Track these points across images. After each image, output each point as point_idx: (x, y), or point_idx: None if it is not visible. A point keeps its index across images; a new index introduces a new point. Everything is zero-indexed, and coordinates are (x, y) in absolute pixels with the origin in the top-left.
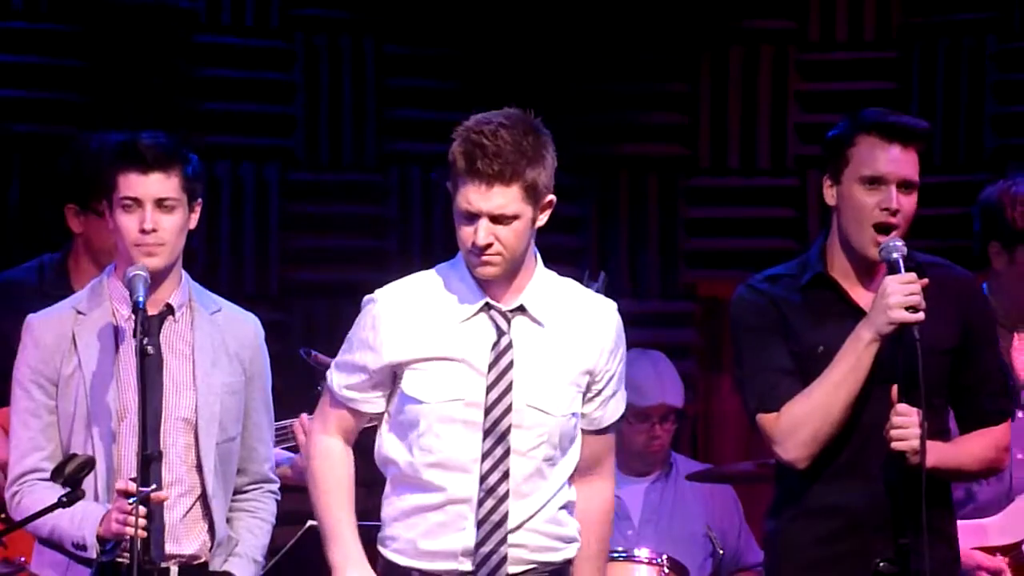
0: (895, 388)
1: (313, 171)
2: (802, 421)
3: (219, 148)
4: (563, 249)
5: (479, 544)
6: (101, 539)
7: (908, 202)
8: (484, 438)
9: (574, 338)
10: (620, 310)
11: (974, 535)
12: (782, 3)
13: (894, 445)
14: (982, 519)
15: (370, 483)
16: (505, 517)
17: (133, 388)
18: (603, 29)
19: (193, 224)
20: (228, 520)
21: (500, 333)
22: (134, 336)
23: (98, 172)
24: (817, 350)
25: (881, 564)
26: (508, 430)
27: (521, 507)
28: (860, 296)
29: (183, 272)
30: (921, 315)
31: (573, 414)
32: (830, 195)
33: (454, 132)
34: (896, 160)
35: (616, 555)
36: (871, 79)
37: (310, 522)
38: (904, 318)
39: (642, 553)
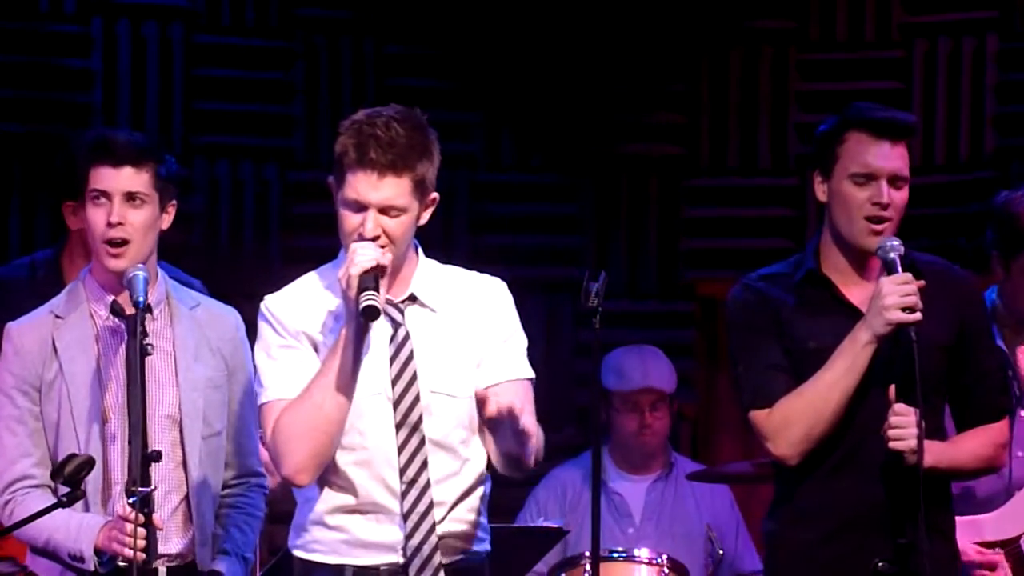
0: (893, 388)
1: (313, 171)
2: (794, 419)
3: (219, 148)
4: (563, 249)
5: (408, 536)
6: (99, 551)
7: (899, 196)
8: (397, 431)
9: (467, 318)
10: (619, 310)
11: (972, 531)
12: (782, 3)
13: (892, 445)
14: (981, 515)
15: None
16: (430, 507)
17: (117, 389)
18: (603, 29)
19: (165, 225)
20: (216, 516)
21: (396, 325)
22: (131, 335)
23: (77, 161)
24: (809, 346)
25: (880, 564)
26: (420, 420)
27: (445, 494)
28: (852, 293)
29: (160, 270)
30: (918, 315)
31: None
32: (821, 191)
33: (340, 127)
34: (886, 156)
35: (616, 555)
36: (871, 79)
37: None
38: (901, 319)
39: (642, 553)
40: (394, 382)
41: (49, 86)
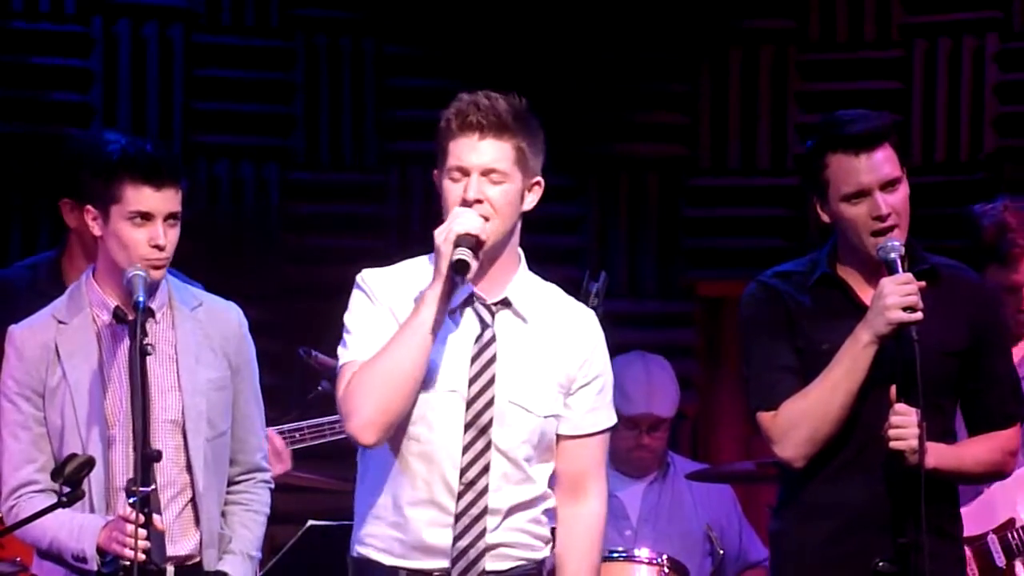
0: (893, 388)
1: (313, 171)
2: (799, 421)
3: (219, 148)
4: (563, 249)
5: (457, 538)
6: (101, 551)
7: (896, 198)
8: (465, 431)
9: (557, 339)
10: (619, 310)
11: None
12: (782, 3)
13: (892, 444)
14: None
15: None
16: (484, 511)
17: (120, 393)
18: (603, 29)
19: None
20: (222, 514)
21: (484, 326)
22: (132, 337)
23: (98, 170)
24: (822, 348)
25: (880, 564)
26: (489, 423)
27: (501, 502)
28: (868, 296)
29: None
30: (919, 315)
31: (554, 416)
32: (824, 215)
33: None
34: (869, 168)
35: (616, 555)
36: (871, 79)
37: (310, 522)
38: (902, 318)
39: (642, 553)
40: (471, 381)
41: (49, 86)
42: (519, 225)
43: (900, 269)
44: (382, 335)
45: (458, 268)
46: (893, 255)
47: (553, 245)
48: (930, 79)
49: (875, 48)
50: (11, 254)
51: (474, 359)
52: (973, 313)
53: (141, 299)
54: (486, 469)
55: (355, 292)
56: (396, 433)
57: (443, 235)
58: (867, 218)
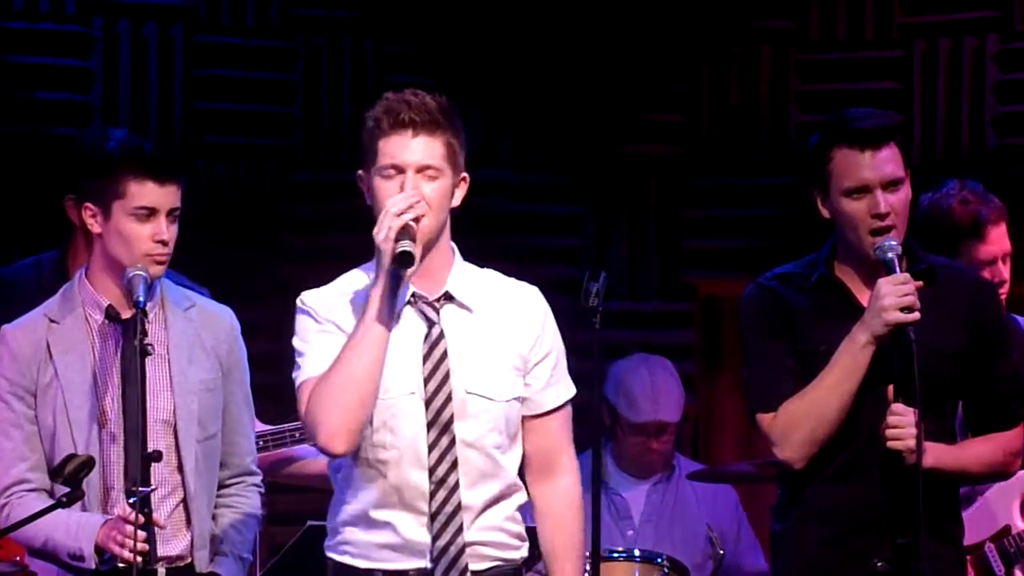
0: (891, 388)
1: (313, 171)
2: (797, 422)
3: (219, 148)
4: (563, 249)
5: (435, 537)
6: (99, 550)
7: (898, 198)
8: (428, 430)
9: (505, 322)
10: (619, 310)
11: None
12: (782, 3)
13: (889, 444)
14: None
15: None
16: (458, 508)
17: (113, 393)
18: (604, 29)
19: None
20: (213, 516)
21: (430, 324)
22: (125, 337)
23: (103, 168)
24: (820, 349)
25: (879, 564)
26: (451, 419)
27: (475, 498)
28: (865, 297)
29: None
30: (916, 315)
31: (516, 399)
32: (824, 210)
33: (363, 119)
34: (873, 165)
35: (616, 555)
36: (871, 79)
37: (310, 522)
38: (899, 319)
39: (642, 553)
40: (426, 381)
41: (49, 86)
42: (448, 220)
43: (897, 269)
44: (332, 350)
45: (403, 260)
46: (890, 255)
47: (553, 245)
48: (930, 79)
49: (875, 48)
50: (12, 254)
51: (426, 358)
52: (971, 313)
53: (141, 299)
54: (455, 465)
55: (298, 316)
56: (360, 443)
57: (383, 232)
58: (866, 215)
